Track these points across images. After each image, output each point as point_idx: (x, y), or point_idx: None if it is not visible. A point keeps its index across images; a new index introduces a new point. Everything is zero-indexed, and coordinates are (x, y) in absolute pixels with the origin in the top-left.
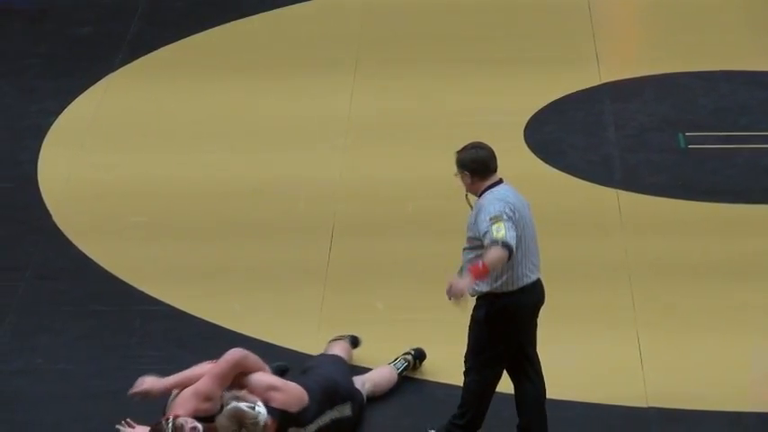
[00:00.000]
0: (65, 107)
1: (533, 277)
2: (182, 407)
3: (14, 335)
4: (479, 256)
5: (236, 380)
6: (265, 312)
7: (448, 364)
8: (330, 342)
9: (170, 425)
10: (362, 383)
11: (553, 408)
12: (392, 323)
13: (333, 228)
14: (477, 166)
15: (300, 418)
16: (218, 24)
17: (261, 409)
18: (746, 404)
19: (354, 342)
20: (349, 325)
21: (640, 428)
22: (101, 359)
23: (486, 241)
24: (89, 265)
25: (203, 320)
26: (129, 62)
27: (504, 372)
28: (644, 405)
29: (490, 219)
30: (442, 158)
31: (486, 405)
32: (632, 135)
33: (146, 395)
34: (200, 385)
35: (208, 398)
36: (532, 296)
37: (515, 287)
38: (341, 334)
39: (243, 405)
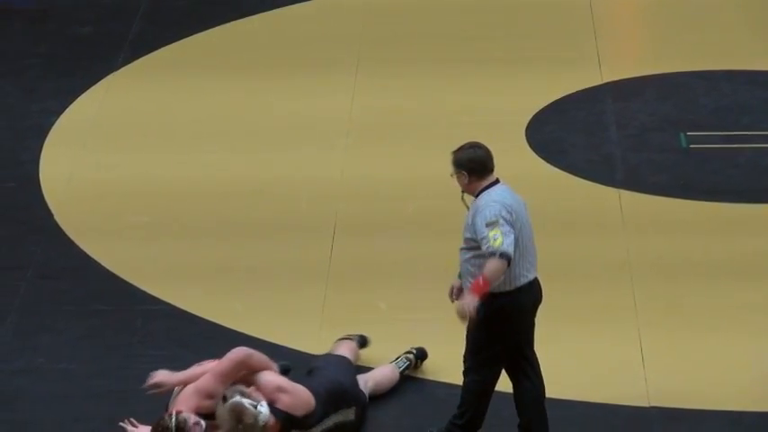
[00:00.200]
0: (66, 107)
1: (530, 277)
2: (183, 404)
3: (16, 334)
4: (476, 257)
5: (245, 378)
6: (267, 312)
7: (449, 364)
8: (337, 341)
9: (173, 420)
10: (365, 382)
11: (555, 407)
12: (394, 322)
13: (334, 227)
14: (475, 165)
15: (305, 421)
16: (219, 24)
17: (263, 409)
18: (748, 404)
19: (363, 342)
20: (350, 324)
21: (642, 428)
22: (102, 358)
23: (484, 248)
24: (91, 265)
25: (205, 320)
26: (130, 62)
27: (504, 371)
28: (645, 404)
29: (487, 224)
30: (444, 158)
31: (486, 405)
32: (634, 135)
33: (158, 388)
34: (202, 382)
35: (210, 395)
36: (530, 295)
37: (513, 287)
38: (350, 333)
39: (245, 402)
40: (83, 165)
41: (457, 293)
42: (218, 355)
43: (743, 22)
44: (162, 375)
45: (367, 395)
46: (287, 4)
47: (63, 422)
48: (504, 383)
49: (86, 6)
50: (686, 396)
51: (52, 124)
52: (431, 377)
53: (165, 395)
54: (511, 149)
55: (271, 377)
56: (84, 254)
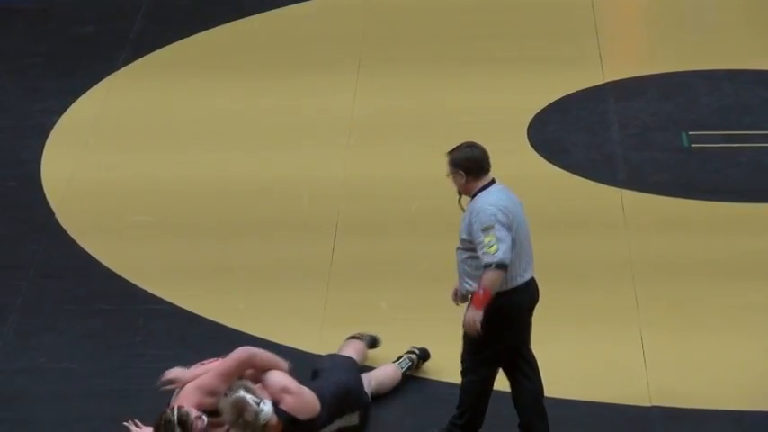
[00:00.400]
0: (67, 106)
1: (527, 276)
2: (185, 400)
3: (17, 334)
4: (472, 258)
5: (254, 375)
6: (268, 311)
7: (451, 363)
8: (347, 340)
9: (175, 413)
10: (368, 381)
11: (556, 406)
12: (395, 322)
13: (336, 227)
14: (472, 165)
15: (308, 425)
16: (220, 24)
17: (265, 407)
18: (750, 403)
19: (373, 343)
20: (352, 324)
21: (644, 427)
22: (104, 358)
23: (479, 254)
24: (92, 264)
25: (206, 319)
26: (131, 62)
27: (501, 371)
28: (647, 404)
29: (482, 229)
30: (446, 157)
31: (485, 404)
32: (636, 134)
33: (172, 384)
34: (204, 380)
35: (212, 393)
36: (527, 295)
37: (509, 287)
38: (362, 332)
39: (248, 397)
40: (84, 164)
41: (460, 297)
42: (219, 354)
43: (745, 22)
44: (176, 372)
45: (369, 395)
46: (287, 4)
47: (64, 421)
48: (505, 383)
49: (88, 6)
50: (688, 395)
51: (53, 124)
52: (433, 377)
53: (168, 394)
54: (513, 149)
55: (279, 377)
56: (86, 253)
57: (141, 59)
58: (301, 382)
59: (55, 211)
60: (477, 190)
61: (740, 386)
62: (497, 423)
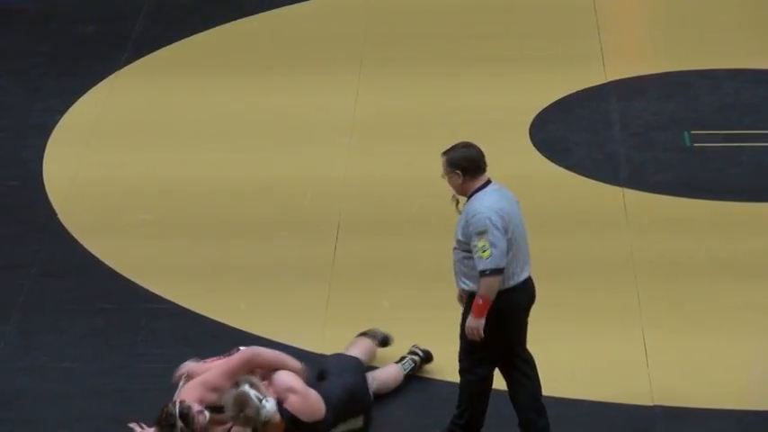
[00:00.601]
0: (69, 106)
1: (524, 276)
2: (188, 394)
3: (20, 333)
4: (467, 258)
5: (263, 373)
6: (270, 310)
7: (453, 363)
8: (357, 337)
9: (177, 407)
10: (371, 381)
11: (558, 406)
12: (397, 321)
13: (338, 226)
14: (469, 164)
15: (312, 428)
16: (220, 24)
17: (268, 405)
18: (752, 403)
19: (384, 341)
20: (354, 324)
21: (646, 427)
22: (106, 357)
23: (474, 257)
24: (94, 264)
25: (209, 318)
26: (133, 61)
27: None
28: (649, 403)
29: (477, 233)
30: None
31: (485, 403)
32: (638, 133)
33: (186, 378)
34: (208, 376)
35: (214, 389)
36: (523, 294)
37: (506, 286)
38: (374, 329)
39: (252, 393)
40: (86, 163)
41: (460, 297)
42: (220, 354)
43: (747, 21)
44: (190, 366)
45: (371, 395)
46: (287, 4)
47: (66, 421)
48: (504, 382)
49: (89, 6)
50: (690, 395)
51: (55, 123)
52: (435, 376)
53: (170, 393)
54: (514, 148)
55: (286, 377)
56: (88, 252)
57: (142, 59)
58: (311, 385)
59: (57, 210)
60: (473, 190)
61: (742, 386)
62: (498, 423)
